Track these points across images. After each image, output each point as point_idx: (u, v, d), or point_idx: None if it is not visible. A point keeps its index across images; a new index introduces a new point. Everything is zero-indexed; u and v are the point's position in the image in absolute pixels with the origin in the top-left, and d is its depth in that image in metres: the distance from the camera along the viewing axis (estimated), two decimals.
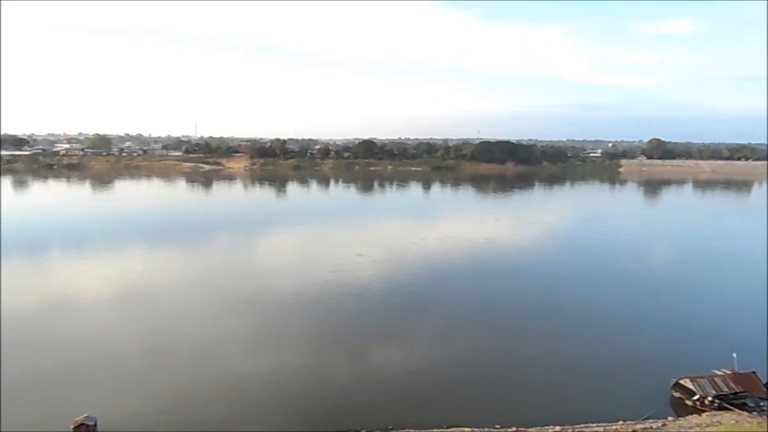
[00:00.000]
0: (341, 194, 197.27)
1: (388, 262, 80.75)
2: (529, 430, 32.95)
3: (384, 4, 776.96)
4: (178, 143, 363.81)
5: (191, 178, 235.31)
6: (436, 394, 38.70)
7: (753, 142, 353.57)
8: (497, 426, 33.21)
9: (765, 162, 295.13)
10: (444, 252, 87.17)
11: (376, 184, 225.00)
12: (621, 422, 33.86)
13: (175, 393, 37.75)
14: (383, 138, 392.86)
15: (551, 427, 33.28)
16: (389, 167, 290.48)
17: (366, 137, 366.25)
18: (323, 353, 45.83)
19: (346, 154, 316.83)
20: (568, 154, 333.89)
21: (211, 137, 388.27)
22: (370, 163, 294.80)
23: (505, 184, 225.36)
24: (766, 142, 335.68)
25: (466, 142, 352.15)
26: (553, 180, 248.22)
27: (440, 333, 51.28)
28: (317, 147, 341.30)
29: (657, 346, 48.24)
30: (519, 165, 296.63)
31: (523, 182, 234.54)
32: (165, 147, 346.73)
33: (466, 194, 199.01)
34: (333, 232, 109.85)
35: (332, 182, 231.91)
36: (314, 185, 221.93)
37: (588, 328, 53.09)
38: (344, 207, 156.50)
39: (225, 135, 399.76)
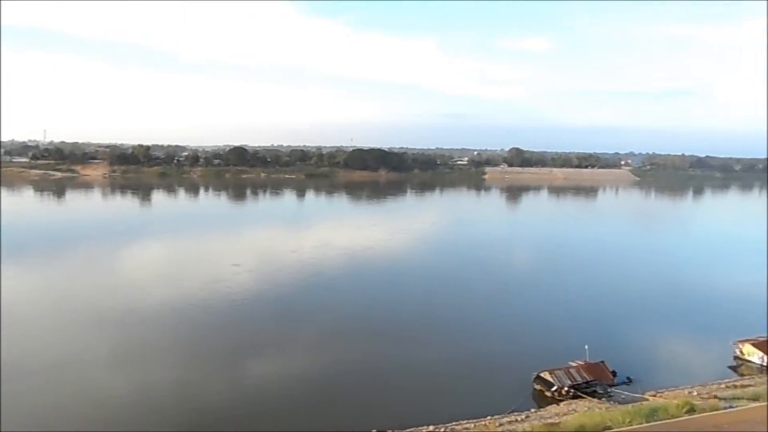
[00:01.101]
0: (212, 203, 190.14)
1: (266, 271, 79.16)
2: (405, 431, 33.82)
3: (249, 7, 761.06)
4: (23, 149, 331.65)
5: (40, 187, 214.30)
6: (312, 402, 38.58)
7: (597, 152, 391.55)
8: (373, 430, 33.73)
9: (608, 170, 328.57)
10: (322, 260, 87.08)
11: (248, 192, 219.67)
12: (489, 417, 35.78)
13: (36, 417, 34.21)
14: (255, 145, 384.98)
15: (425, 427, 34.30)
16: (262, 175, 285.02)
17: (237, 144, 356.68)
18: (197, 367, 43.91)
19: (216, 162, 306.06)
20: (438, 162, 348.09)
21: (63, 142, 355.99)
22: (242, 171, 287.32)
23: (379, 191, 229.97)
24: (610, 152, 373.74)
25: (339, 150, 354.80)
26: (423, 187, 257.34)
27: (318, 341, 51.03)
28: (185, 154, 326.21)
29: (522, 343, 51.68)
30: (391, 172, 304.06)
31: (395, 189, 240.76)
32: (8, 153, 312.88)
33: (341, 201, 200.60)
34: (205, 242, 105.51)
35: (202, 190, 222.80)
36: (182, 194, 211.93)
37: (461, 329, 55.46)
38: (216, 216, 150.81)
39: (80, 140, 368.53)
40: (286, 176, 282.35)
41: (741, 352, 49.38)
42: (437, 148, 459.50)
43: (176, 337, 51.31)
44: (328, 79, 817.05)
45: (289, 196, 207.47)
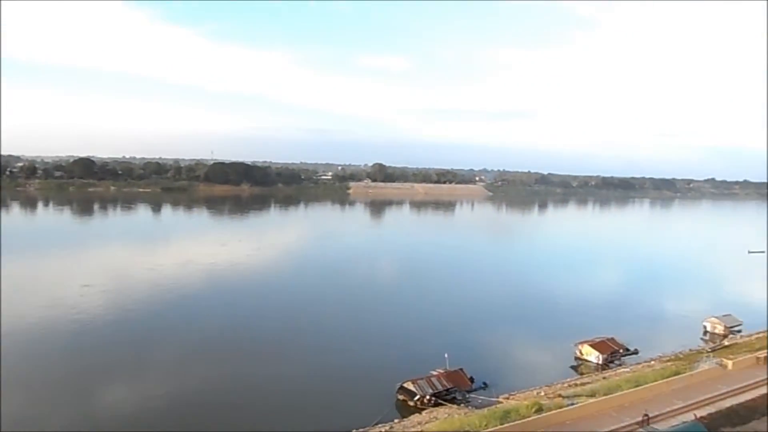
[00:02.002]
0: (54, 219, 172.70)
1: (121, 291, 73.33)
2: None
3: (96, 11, 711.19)
4: None
5: None
6: (170, 424, 36.21)
7: (454, 168, 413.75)
8: None
9: (464, 185, 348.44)
10: (183, 278, 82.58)
11: (96, 206, 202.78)
12: (354, 430, 35.82)
13: None
14: (105, 156, 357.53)
15: None
16: (112, 188, 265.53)
17: (83, 155, 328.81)
18: (42, 396, 39.66)
19: (57, 174, 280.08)
20: (302, 177, 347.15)
21: None
22: (89, 184, 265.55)
23: (242, 206, 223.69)
24: (466, 168, 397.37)
25: (199, 163, 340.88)
26: (288, 201, 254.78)
27: (176, 364, 48.01)
28: (20, 165, 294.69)
29: (386, 354, 52.52)
30: (255, 186, 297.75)
31: (259, 204, 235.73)
32: None
33: (203, 217, 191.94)
34: (50, 261, 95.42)
35: (41, 205, 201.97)
36: (16, 209, 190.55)
37: (326, 343, 55.14)
38: (61, 233, 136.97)
39: None
40: (140, 190, 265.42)
41: (581, 352, 54.15)
42: (302, 163, 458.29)
43: (14, 366, 45.49)
44: (186, 89, 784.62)
45: (144, 211, 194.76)
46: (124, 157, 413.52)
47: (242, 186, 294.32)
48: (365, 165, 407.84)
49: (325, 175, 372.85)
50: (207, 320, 61.92)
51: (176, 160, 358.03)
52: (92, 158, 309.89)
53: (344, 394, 43.18)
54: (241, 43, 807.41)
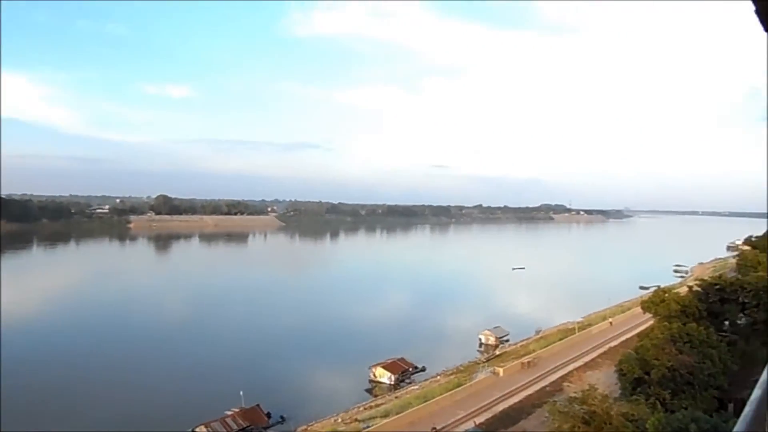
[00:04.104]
0: None
1: None
2: None
3: None
4: None
5: None
6: None
7: (246, 199, 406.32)
8: None
9: (256, 216, 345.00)
10: None
11: None
12: None
13: None
14: None
15: None
16: None
17: None
18: None
19: None
20: (72, 211, 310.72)
21: None
22: None
23: None
24: (258, 199, 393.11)
25: None
26: (56, 238, 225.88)
27: None
28: None
29: (174, 399, 48.58)
30: (12, 223, 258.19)
31: (19, 242, 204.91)
32: None
33: None
34: None
35: None
36: None
37: (111, 394, 49.24)
38: None
39: None
40: None
41: (374, 375, 56.09)
42: (71, 195, 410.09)
43: None
44: None
45: None
46: None
47: None
48: (148, 197, 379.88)
49: (101, 209, 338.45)
50: None
51: None
52: None
53: None
54: None
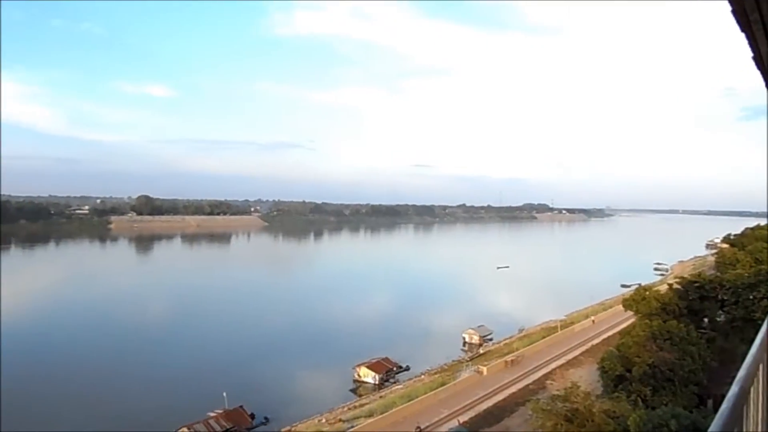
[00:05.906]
0: None
1: None
2: None
3: None
4: None
5: None
6: None
7: (228, 199, 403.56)
8: None
9: (240, 216, 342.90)
10: None
11: None
12: None
13: None
14: None
15: None
16: None
17: None
18: None
19: None
20: (51, 211, 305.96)
21: None
22: None
23: None
24: (241, 199, 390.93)
25: None
26: (34, 239, 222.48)
27: None
28: None
29: (158, 401, 47.99)
30: None
31: None
32: None
33: None
34: None
35: None
36: None
37: (96, 394, 48.64)
38: None
39: None
40: None
41: (359, 374, 56.05)
42: (50, 196, 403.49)
43: None
44: None
45: None
46: None
47: None
48: (129, 197, 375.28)
49: (81, 209, 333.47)
50: None
51: None
52: None
53: None
54: None
